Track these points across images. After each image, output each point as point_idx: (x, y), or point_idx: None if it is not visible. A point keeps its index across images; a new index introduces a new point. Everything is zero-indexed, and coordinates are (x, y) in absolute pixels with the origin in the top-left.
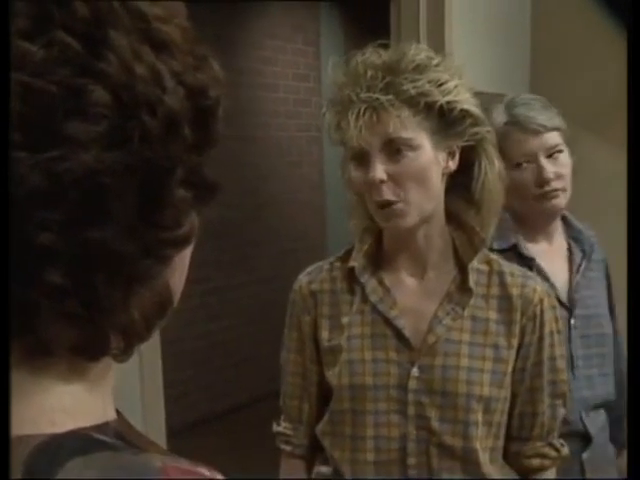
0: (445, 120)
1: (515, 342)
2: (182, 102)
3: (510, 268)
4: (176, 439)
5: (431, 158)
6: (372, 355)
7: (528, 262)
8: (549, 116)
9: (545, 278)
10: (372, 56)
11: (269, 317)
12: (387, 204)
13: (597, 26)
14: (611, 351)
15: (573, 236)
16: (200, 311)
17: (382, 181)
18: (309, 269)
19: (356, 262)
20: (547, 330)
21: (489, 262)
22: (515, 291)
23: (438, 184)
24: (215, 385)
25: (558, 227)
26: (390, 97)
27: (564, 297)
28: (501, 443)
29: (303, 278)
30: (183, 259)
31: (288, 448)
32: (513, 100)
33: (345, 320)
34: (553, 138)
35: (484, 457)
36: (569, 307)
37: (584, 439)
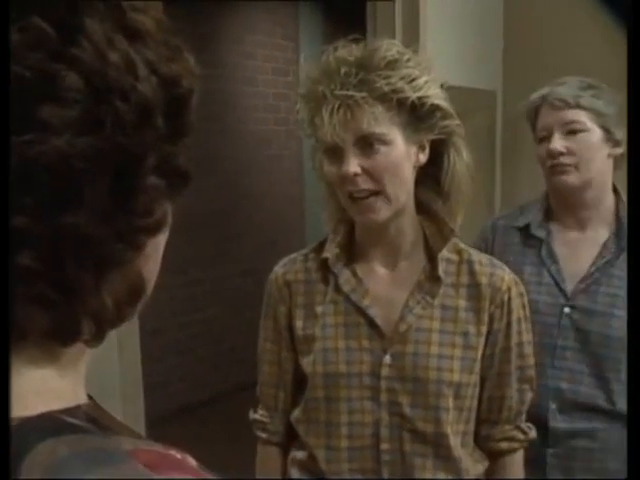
0: (416, 115)
1: (484, 329)
2: (155, 91)
3: (479, 257)
4: (158, 428)
5: (403, 152)
6: (345, 344)
7: (536, 242)
8: (577, 94)
9: (554, 261)
10: (345, 52)
11: (250, 308)
12: (360, 197)
13: (570, 18)
14: (619, 357)
15: (615, 230)
16: (182, 302)
17: (356, 174)
18: (284, 260)
19: (329, 253)
20: (514, 317)
21: (459, 252)
22: (484, 279)
23: (409, 177)
24: (197, 375)
25: (595, 216)
26: (364, 94)
27: (569, 285)
28: (472, 427)
29: (278, 269)
30: (156, 247)
31: (264, 435)
32: (562, 80)
33: (319, 309)
34: (573, 115)
35: (455, 441)
36: (568, 296)
37: (546, 430)
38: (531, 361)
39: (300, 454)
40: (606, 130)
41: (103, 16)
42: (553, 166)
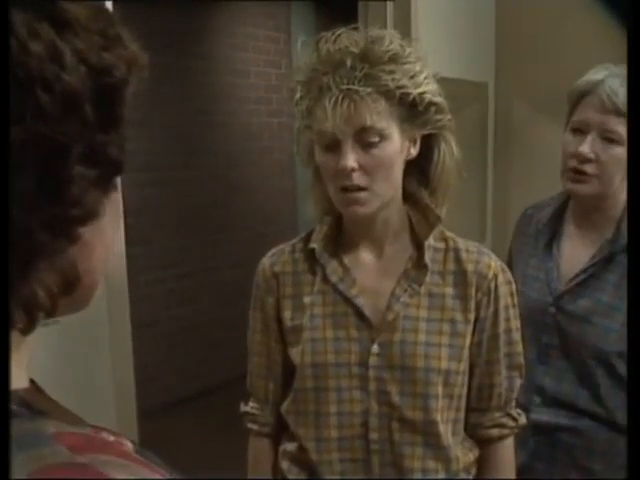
0: (414, 110)
1: (471, 317)
2: (83, 80)
3: (465, 245)
4: (150, 421)
5: (398, 147)
6: (333, 333)
7: (544, 237)
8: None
9: (551, 259)
10: (346, 41)
11: (241, 300)
12: (350, 190)
13: (562, 9)
14: (594, 363)
15: (613, 234)
16: (173, 295)
17: (353, 170)
18: (272, 252)
19: (316, 244)
20: (502, 304)
21: (445, 239)
22: (470, 267)
23: (400, 171)
24: (188, 367)
25: (604, 220)
26: (369, 89)
27: (560, 285)
28: (462, 416)
29: (266, 261)
30: (96, 238)
31: (255, 427)
32: (618, 69)
33: (307, 300)
34: (617, 124)
35: (444, 429)
36: (555, 295)
37: (529, 421)
38: (519, 348)
39: (290, 446)
40: None
41: (27, 5)
42: (574, 169)
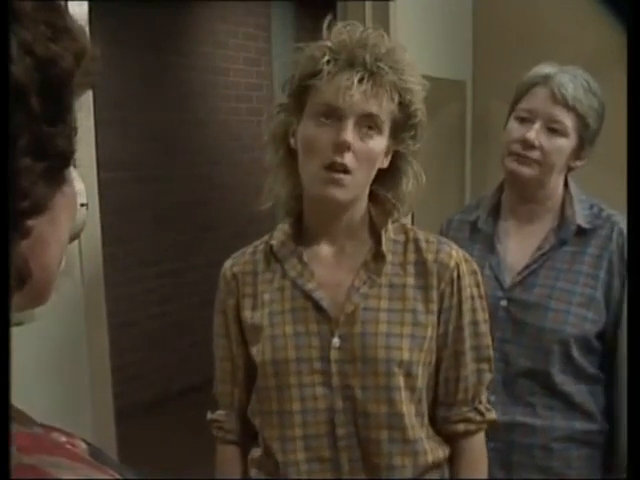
0: (405, 122)
1: (434, 307)
2: (29, 72)
3: (426, 236)
4: (130, 420)
5: (384, 148)
6: (293, 329)
7: (482, 236)
8: (579, 96)
9: (495, 254)
10: (369, 39)
11: None
12: (338, 168)
13: (540, 7)
14: (553, 349)
15: (557, 224)
16: (154, 293)
17: (350, 146)
18: (235, 254)
19: (274, 240)
20: (466, 294)
21: (406, 232)
22: (430, 257)
23: (374, 173)
24: (169, 366)
25: (542, 210)
26: (395, 79)
27: (507, 278)
28: (425, 408)
29: (227, 263)
30: (50, 233)
31: (221, 434)
32: (570, 68)
33: (266, 297)
34: (565, 116)
35: (410, 422)
36: (505, 288)
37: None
38: (487, 341)
39: (257, 452)
40: (581, 143)
41: None
42: (518, 154)
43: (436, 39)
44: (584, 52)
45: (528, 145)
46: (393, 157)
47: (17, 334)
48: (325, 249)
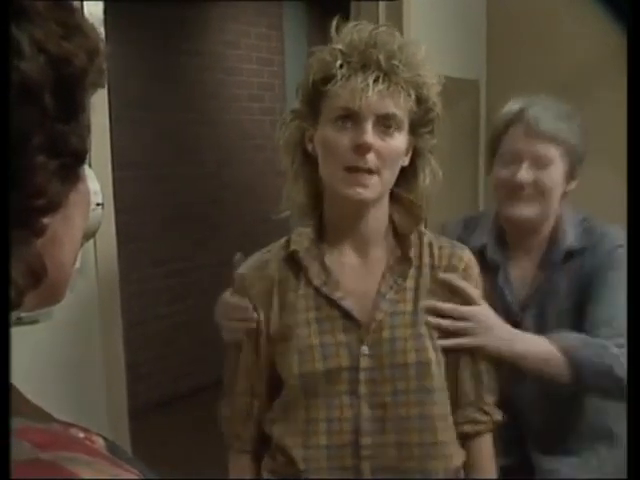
0: (422, 117)
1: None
2: (42, 70)
3: (439, 240)
4: (141, 419)
5: (405, 145)
6: (320, 340)
7: (492, 266)
8: (555, 126)
9: (509, 286)
10: (379, 39)
11: None
12: (362, 170)
13: (553, 7)
14: None
15: (546, 249)
16: (163, 292)
17: (372, 147)
18: (249, 262)
19: (297, 245)
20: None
21: (419, 235)
22: (444, 262)
23: (397, 170)
24: (179, 366)
25: (539, 240)
26: (409, 76)
27: (516, 304)
28: (448, 410)
29: (245, 271)
30: (64, 231)
31: (238, 444)
32: (537, 99)
33: (289, 307)
34: (547, 150)
35: (440, 424)
36: (518, 313)
37: None
38: None
39: (273, 461)
40: (571, 166)
41: None
42: (514, 197)
43: (449, 38)
44: (597, 50)
45: (522, 186)
46: (412, 155)
47: (32, 333)
48: (348, 253)
